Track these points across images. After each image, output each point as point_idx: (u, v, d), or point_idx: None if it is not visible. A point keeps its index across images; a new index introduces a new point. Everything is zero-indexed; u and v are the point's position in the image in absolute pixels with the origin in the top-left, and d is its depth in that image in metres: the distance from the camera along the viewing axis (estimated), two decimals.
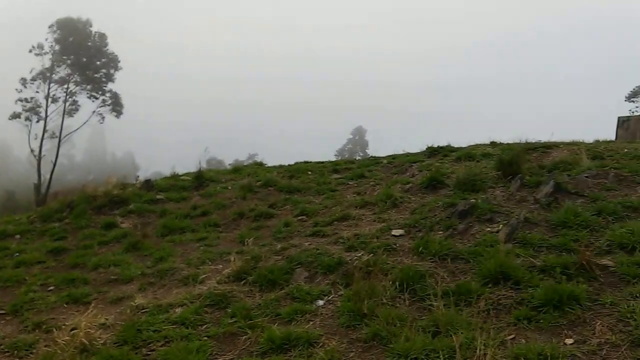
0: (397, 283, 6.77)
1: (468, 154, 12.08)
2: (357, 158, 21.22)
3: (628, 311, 5.61)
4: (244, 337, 6.22)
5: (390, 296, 6.60)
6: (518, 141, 12.66)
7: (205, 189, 12.51)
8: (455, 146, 13.30)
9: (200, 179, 13.03)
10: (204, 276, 7.84)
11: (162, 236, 10.00)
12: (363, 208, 9.92)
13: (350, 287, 6.84)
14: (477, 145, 13.47)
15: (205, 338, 6.30)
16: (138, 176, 13.86)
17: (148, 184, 12.78)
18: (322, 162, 14.55)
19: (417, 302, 6.50)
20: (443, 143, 13.40)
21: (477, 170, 10.21)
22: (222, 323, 6.56)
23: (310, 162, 14.76)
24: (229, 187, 12.51)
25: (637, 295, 5.92)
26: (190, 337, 6.33)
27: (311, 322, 6.37)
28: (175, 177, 14.00)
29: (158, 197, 12.05)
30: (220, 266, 8.14)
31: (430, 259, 7.36)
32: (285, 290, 7.19)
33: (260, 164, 16.14)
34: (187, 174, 13.98)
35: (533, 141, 12.37)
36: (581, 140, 13.44)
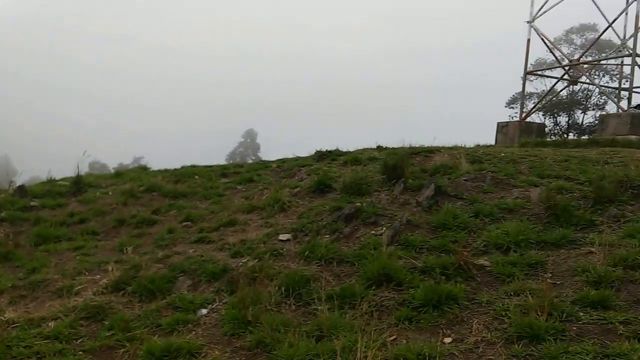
0: (283, 288, 6.70)
1: (355, 158, 12.24)
2: (249, 162, 21.05)
3: (503, 309, 5.83)
4: (122, 350, 5.94)
5: (276, 302, 6.53)
6: (403, 145, 12.96)
7: (83, 195, 11.91)
8: (343, 150, 13.45)
9: (79, 185, 12.39)
10: (79, 287, 7.41)
11: (35, 245, 9.41)
12: (251, 213, 9.79)
13: (235, 295, 6.70)
14: (364, 149, 13.69)
15: (81, 353, 5.96)
16: (12, 182, 12.94)
17: (21, 190, 12.01)
18: (211, 166, 14.26)
19: (302, 307, 6.47)
20: (333, 146, 13.54)
21: (363, 174, 10.35)
22: (98, 336, 6.23)
23: (198, 165, 14.44)
24: (110, 193, 11.98)
25: (512, 293, 6.18)
26: (64, 352, 5.96)
27: (193, 332, 6.18)
28: (51, 182, 13.23)
29: (32, 203, 11.35)
30: (98, 276, 7.74)
31: (317, 263, 7.35)
32: (166, 300, 6.93)
33: (145, 168, 15.60)
34: (64, 179, 13.25)
35: (417, 145, 12.70)
36: (462, 145, 13.97)
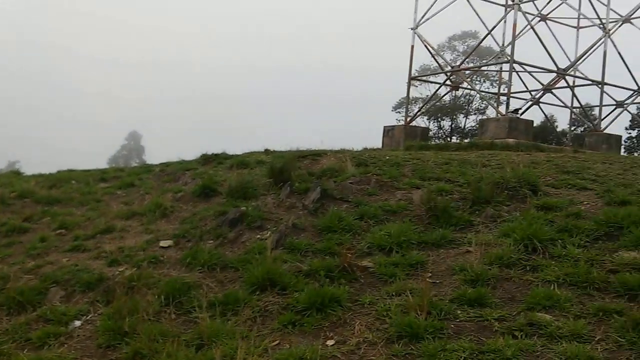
0: (163, 297, 6.48)
1: (242, 162, 12.09)
2: (133, 165, 20.34)
3: (385, 309, 5.88)
4: None
5: (155, 311, 6.30)
6: (291, 149, 12.95)
7: None
8: (230, 153, 13.25)
9: None
10: None
11: None
12: (130, 219, 9.41)
13: (111, 305, 6.39)
14: (251, 152, 13.56)
15: None
16: None
17: None
18: (89, 170, 13.65)
19: (183, 316, 6.27)
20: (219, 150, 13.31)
21: (250, 178, 10.23)
22: None
23: (76, 170, 13.78)
24: None
25: (393, 293, 6.25)
26: None
27: (65, 345, 5.86)
28: None
29: None
30: None
31: (199, 269, 7.17)
32: (37, 312, 6.52)
33: (18, 173, 14.71)
34: None
35: (304, 149, 12.72)
36: (350, 149, 14.15)
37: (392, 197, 9.29)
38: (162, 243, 8.06)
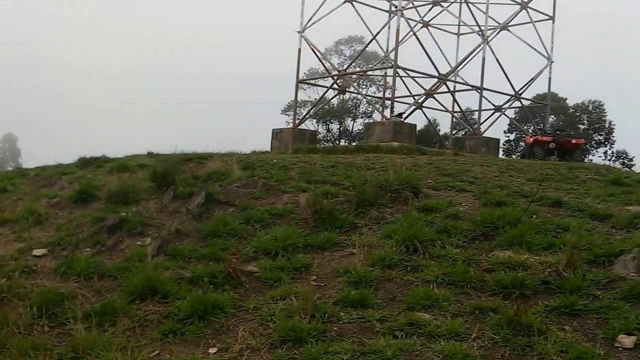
0: (36, 308, 6.09)
1: (123, 165, 11.65)
2: (8, 169, 19.19)
3: (269, 314, 5.82)
4: None
5: (27, 324, 5.92)
6: (175, 152, 12.62)
7: None
8: (111, 157, 12.75)
9: None
10: None
11: None
12: (1, 227, 8.82)
13: None
14: (133, 155, 13.12)
15: None
16: None
17: None
18: None
19: (57, 328, 5.93)
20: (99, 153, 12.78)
21: (131, 182, 9.87)
22: None
23: None
24: None
25: (278, 298, 6.21)
26: None
27: None
28: None
29: None
30: None
31: (75, 279, 6.82)
32: None
33: None
34: None
35: (189, 152, 12.46)
36: (237, 152, 14.00)
37: (278, 201, 9.26)
38: (36, 252, 7.60)
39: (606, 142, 51.74)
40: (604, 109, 52.20)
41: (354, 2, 29.32)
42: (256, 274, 6.85)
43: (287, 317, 5.64)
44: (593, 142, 51.46)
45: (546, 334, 5.13)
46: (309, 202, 8.68)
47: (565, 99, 52.34)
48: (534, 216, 8.09)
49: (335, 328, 5.51)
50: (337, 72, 30.37)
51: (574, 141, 27.17)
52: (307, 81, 34.66)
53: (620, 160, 49.68)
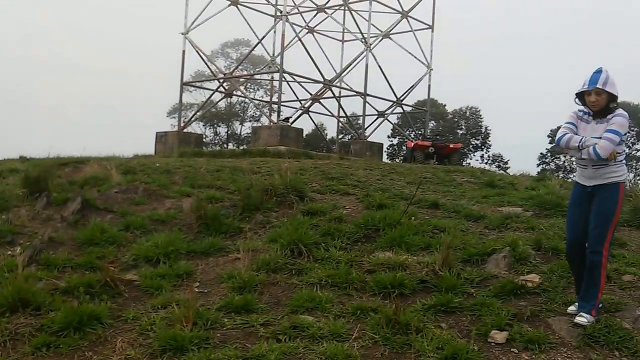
0: None
1: None
2: None
3: (149, 324, 5.64)
4: None
5: None
6: (49, 156, 12.04)
7: None
8: None
9: None
10: None
11: None
12: None
13: None
14: (4, 160, 12.39)
15: None
16: None
17: None
18: None
19: None
20: None
21: (1, 188, 9.28)
22: None
23: None
24: None
25: (159, 306, 6.03)
26: None
27: None
28: None
29: None
30: None
31: None
32: None
33: None
34: None
35: (66, 156, 11.91)
36: (118, 156, 13.55)
37: (161, 206, 9.04)
38: None
39: (483, 146, 54.61)
40: (481, 115, 55.12)
41: (239, 5, 29.23)
42: (136, 282, 6.63)
43: (168, 325, 5.49)
44: (470, 146, 54.17)
45: (423, 332, 5.29)
46: (192, 207, 8.53)
47: (445, 105, 54.82)
48: (413, 218, 8.37)
49: (219, 335, 5.42)
50: (223, 75, 30.12)
51: (451, 145, 28.52)
52: (193, 83, 34.13)
53: (496, 163, 52.65)
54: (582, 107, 5.45)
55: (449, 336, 5.26)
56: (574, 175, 6.26)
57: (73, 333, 5.50)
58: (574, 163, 5.62)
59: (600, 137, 5.22)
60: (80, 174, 10.67)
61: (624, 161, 5.41)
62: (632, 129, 50.37)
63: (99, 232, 7.65)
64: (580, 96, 5.39)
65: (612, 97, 5.24)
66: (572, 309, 5.53)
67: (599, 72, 5.25)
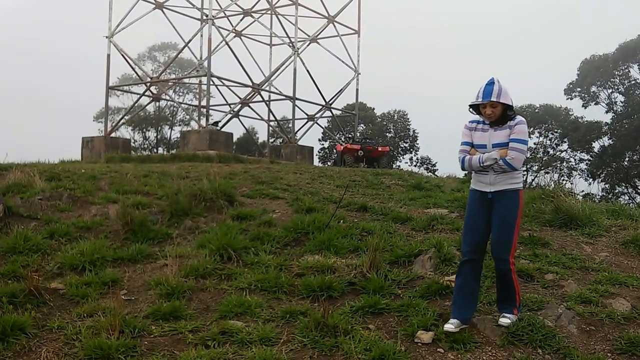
0: None
1: None
2: None
3: (74, 333, 5.53)
4: None
5: None
6: None
7: None
8: None
9: None
10: None
11: None
12: None
13: None
14: None
15: None
16: None
17: None
18: None
19: None
20: None
21: None
22: None
23: None
24: None
25: (85, 315, 5.92)
26: None
27: None
28: None
29: None
30: None
31: None
32: None
33: None
34: None
35: None
36: (43, 162, 13.17)
37: (86, 213, 8.86)
38: None
39: (411, 149, 55.63)
40: (408, 118, 56.16)
41: (164, 9, 28.87)
42: (61, 291, 6.49)
43: (94, 334, 5.40)
44: (399, 149, 55.10)
45: (352, 334, 5.38)
46: (119, 214, 8.40)
47: (374, 108, 55.59)
48: (342, 221, 8.51)
49: (146, 342, 5.37)
50: (150, 79, 29.65)
51: (380, 149, 28.93)
52: (119, 87, 33.43)
53: (425, 165, 53.76)
54: (476, 117, 5.44)
55: (377, 337, 5.37)
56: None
57: None
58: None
59: (503, 143, 5.22)
60: (2, 181, 10.33)
61: (523, 167, 5.49)
62: (555, 131, 52.45)
63: (23, 240, 7.44)
64: (475, 107, 5.35)
65: (508, 106, 5.23)
66: (449, 327, 5.34)
67: (491, 83, 5.22)
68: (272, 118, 32.37)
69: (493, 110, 5.20)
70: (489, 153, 5.26)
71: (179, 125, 52.01)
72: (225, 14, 30.67)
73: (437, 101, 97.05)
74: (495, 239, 5.34)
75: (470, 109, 5.39)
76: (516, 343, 5.26)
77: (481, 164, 5.28)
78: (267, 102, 31.01)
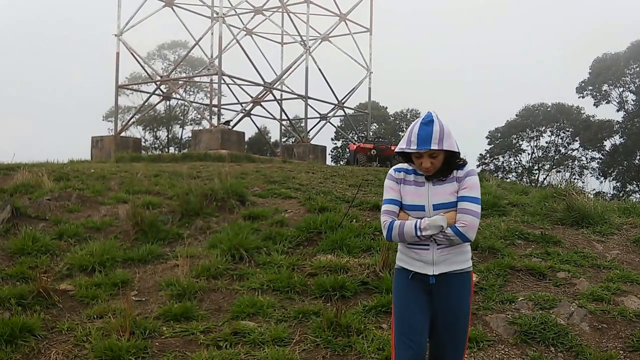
0: None
1: None
2: None
3: (84, 334, 5.46)
4: None
5: None
6: None
7: None
8: None
9: None
10: None
11: None
12: None
13: None
14: None
15: None
16: None
17: None
18: None
19: None
20: None
21: None
22: None
23: None
24: None
25: (95, 316, 5.85)
26: None
27: None
28: None
29: None
30: None
31: None
32: None
33: None
34: None
35: None
36: (52, 162, 13.14)
37: (96, 213, 8.80)
38: None
39: None
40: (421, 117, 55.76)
41: (174, 7, 28.85)
42: (71, 292, 6.42)
43: (105, 336, 5.32)
44: None
45: (364, 333, 5.30)
46: (129, 214, 8.33)
47: (386, 107, 55.45)
48: (354, 220, 8.39)
49: (157, 344, 5.29)
50: (160, 78, 29.64)
51: (393, 148, 28.76)
52: (129, 86, 33.48)
53: None
54: (404, 165, 3.74)
55: (389, 337, 5.27)
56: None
57: (5, 346, 5.28)
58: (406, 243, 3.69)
59: (449, 204, 3.55)
60: (10, 181, 10.29)
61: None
62: (567, 129, 52.10)
63: (31, 242, 7.38)
64: (406, 153, 3.63)
65: (452, 153, 3.55)
66: None
67: (429, 123, 3.51)
68: (284, 117, 32.31)
69: (433, 162, 3.53)
70: (430, 218, 3.54)
71: (190, 124, 52.06)
72: (236, 11, 30.62)
73: (451, 101, 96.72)
74: (440, 343, 3.72)
75: (397, 157, 3.72)
76: (529, 341, 5.19)
77: (419, 234, 3.53)
78: (279, 101, 30.93)
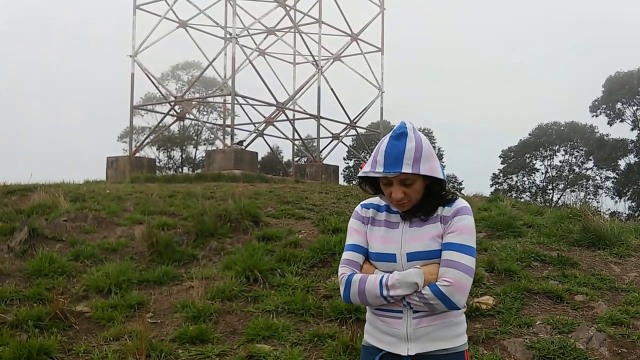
0: None
1: None
2: None
3: (100, 357, 5.47)
4: None
5: None
6: None
7: None
8: None
9: None
10: None
11: None
12: None
13: None
14: None
15: None
16: None
17: None
18: None
19: None
20: None
21: None
22: None
23: None
24: None
25: (111, 338, 5.86)
26: None
27: None
28: None
29: None
30: None
31: None
32: None
33: None
34: None
35: (12, 184, 11.59)
36: (67, 182, 13.24)
37: (111, 234, 8.85)
38: None
39: None
40: (433, 136, 55.98)
41: (188, 28, 29.14)
42: (87, 314, 6.44)
43: (121, 358, 5.33)
44: None
45: None
46: (144, 235, 8.37)
47: None
48: None
49: None
50: (174, 98, 29.86)
51: None
52: (143, 107, 33.73)
53: (451, 184, 53.47)
54: (374, 200, 2.74)
55: None
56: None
57: None
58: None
59: (431, 253, 2.54)
60: (27, 202, 10.38)
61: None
62: (581, 148, 51.91)
63: (48, 263, 7.43)
64: (371, 180, 2.67)
65: (435, 181, 2.56)
66: None
67: (400, 137, 2.52)
68: (296, 137, 32.39)
69: (406, 192, 2.53)
70: (401, 272, 2.53)
71: (204, 144, 52.33)
72: (248, 32, 30.85)
73: (463, 121, 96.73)
74: None
75: (363, 184, 2.73)
76: None
77: (385, 294, 2.53)
78: (292, 121, 31.04)
